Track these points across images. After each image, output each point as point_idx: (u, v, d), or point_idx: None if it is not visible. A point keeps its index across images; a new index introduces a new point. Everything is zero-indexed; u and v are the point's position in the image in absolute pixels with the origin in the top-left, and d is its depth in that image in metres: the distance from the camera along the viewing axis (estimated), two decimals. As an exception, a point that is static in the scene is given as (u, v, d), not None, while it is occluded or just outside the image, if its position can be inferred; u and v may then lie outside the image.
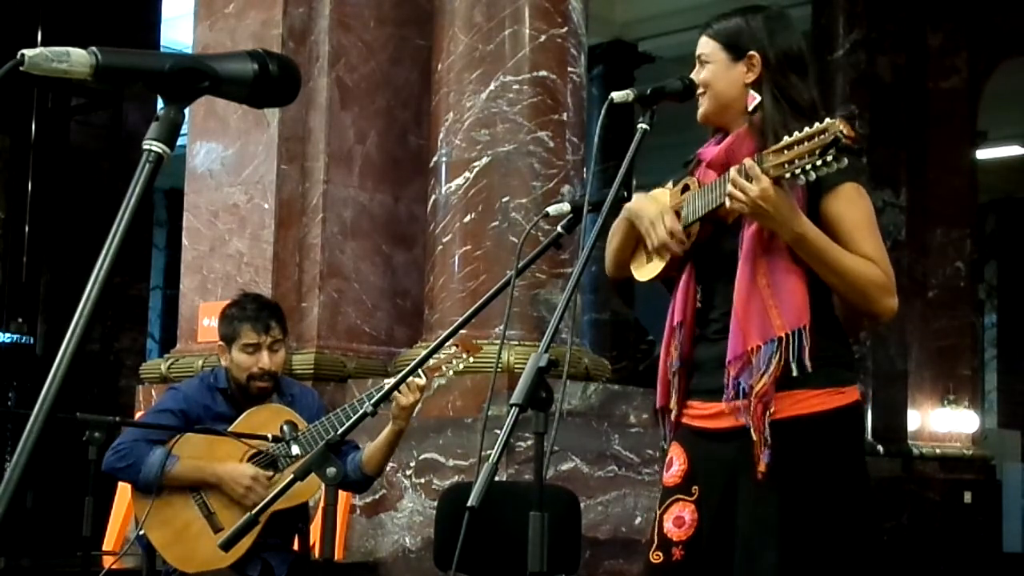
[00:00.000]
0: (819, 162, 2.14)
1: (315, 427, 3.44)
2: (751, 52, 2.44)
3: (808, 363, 2.29)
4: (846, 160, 2.13)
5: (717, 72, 2.47)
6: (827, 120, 2.14)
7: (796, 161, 2.18)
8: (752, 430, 2.29)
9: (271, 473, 3.48)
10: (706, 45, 2.49)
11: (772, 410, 2.30)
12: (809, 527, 2.30)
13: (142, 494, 3.44)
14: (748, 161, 2.25)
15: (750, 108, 2.44)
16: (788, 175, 2.20)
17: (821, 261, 2.32)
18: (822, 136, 2.13)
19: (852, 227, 2.35)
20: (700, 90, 2.49)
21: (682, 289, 2.47)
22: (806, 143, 2.16)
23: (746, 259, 2.34)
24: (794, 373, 2.29)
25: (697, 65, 2.50)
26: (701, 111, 2.51)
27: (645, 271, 2.58)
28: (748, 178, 2.24)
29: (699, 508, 2.40)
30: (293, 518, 3.62)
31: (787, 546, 2.29)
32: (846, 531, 2.35)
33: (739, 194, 2.24)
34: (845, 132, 2.11)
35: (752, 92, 2.44)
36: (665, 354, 2.52)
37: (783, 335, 2.30)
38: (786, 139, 2.21)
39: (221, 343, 3.63)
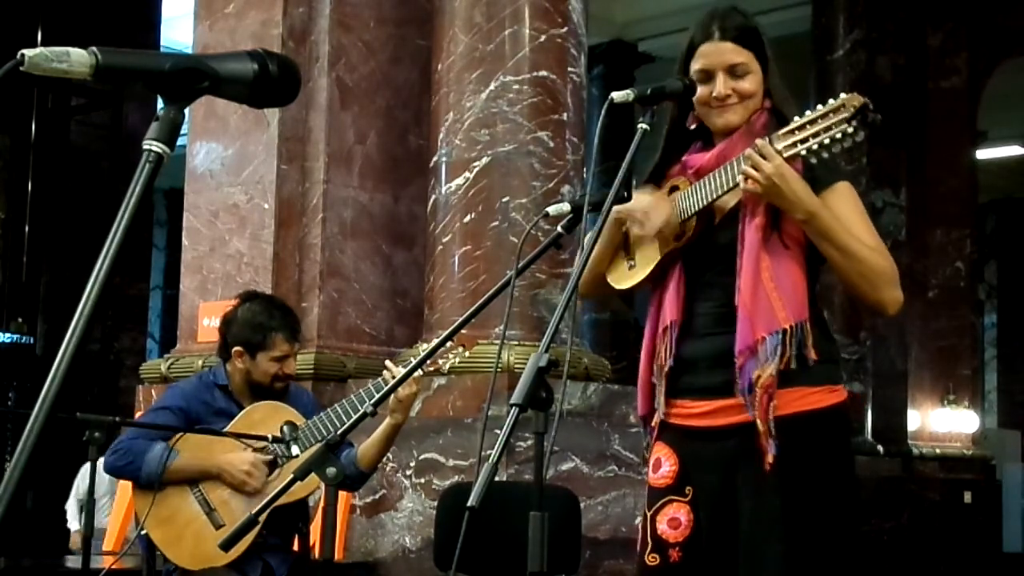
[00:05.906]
0: (839, 135, 2.14)
1: (313, 423, 3.45)
2: (768, 56, 2.40)
3: (813, 355, 2.29)
4: (862, 134, 2.14)
5: (757, 81, 2.39)
6: (842, 95, 2.15)
7: (811, 139, 2.18)
8: (758, 422, 2.29)
9: (270, 458, 3.49)
10: (740, 54, 2.36)
11: (775, 403, 2.29)
12: (812, 520, 2.31)
13: (144, 490, 3.45)
14: (760, 141, 2.24)
15: (759, 122, 2.37)
16: (803, 152, 2.20)
17: (832, 242, 2.29)
18: (840, 110, 2.14)
19: (851, 221, 2.34)
20: (733, 100, 2.37)
21: (673, 289, 2.44)
22: (820, 121, 2.17)
23: (749, 251, 2.32)
24: (792, 365, 2.28)
25: (722, 76, 2.36)
26: (728, 121, 2.38)
27: (628, 278, 2.53)
28: (761, 156, 2.23)
29: (694, 509, 2.39)
30: (293, 518, 3.62)
31: (792, 538, 2.29)
32: (844, 524, 2.36)
33: (754, 172, 2.22)
34: (866, 103, 2.12)
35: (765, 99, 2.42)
36: (648, 357, 2.48)
37: (787, 327, 2.29)
38: (797, 120, 2.21)
39: (240, 347, 3.53)
